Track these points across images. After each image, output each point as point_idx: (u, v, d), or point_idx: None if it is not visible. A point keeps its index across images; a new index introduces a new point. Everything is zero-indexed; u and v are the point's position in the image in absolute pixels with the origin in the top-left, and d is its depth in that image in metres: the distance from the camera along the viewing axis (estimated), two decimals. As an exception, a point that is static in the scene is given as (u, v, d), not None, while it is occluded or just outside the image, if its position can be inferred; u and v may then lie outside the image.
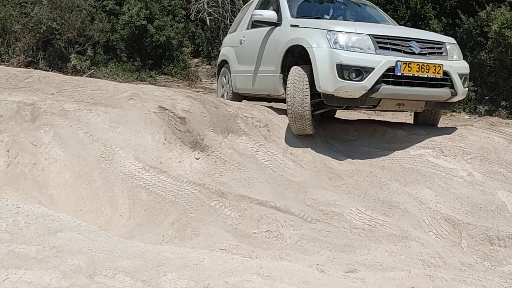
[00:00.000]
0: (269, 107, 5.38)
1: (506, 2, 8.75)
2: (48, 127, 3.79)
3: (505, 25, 8.12)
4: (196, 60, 15.68)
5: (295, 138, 4.72)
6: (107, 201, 3.45)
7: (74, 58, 10.89)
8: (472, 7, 9.20)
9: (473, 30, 9.11)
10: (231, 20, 14.45)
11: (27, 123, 3.81)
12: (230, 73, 6.36)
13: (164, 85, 11.34)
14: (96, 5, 12.08)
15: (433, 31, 8.98)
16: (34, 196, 3.28)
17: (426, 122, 5.13)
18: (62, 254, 2.19)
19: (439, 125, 5.28)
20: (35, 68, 9.66)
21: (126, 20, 12.01)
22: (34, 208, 2.73)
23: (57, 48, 10.98)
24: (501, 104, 8.48)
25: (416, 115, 5.20)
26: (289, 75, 4.53)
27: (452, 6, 9.76)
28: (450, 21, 9.63)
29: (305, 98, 4.40)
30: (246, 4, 7.03)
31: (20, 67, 9.48)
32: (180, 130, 4.28)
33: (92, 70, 11.07)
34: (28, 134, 3.69)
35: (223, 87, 6.73)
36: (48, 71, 9.57)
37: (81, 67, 10.89)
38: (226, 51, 6.69)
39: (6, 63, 9.95)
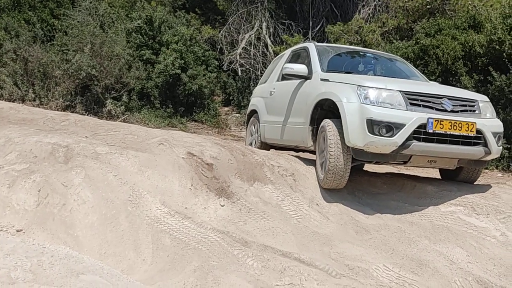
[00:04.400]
0: (296, 156, 5.39)
1: (538, 61, 8.69)
2: (80, 169, 3.89)
3: (539, 83, 8.02)
4: (226, 108, 16.03)
5: (321, 189, 4.68)
6: (131, 245, 3.45)
7: (110, 104, 11.30)
8: (504, 65, 9.16)
9: (506, 87, 9.01)
10: (262, 71, 14.83)
11: (59, 164, 3.92)
12: (259, 123, 6.45)
13: (194, 132, 11.58)
14: (134, 54, 12.65)
15: (465, 88, 8.95)
16: (61, 237, 3.32)
17: (466, 180, 4.97)
18: (83, 296, 2.19)
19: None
20: (72, 112, 10.05)
21: (161, 68, 12.50)
22: (59, 249, 2.75)
23: (94, 94, 11.45)
24: (536, 162, 8.23)
25: (453, 171, 5.01)
26: (327, 129, 4.52)
27: (483, 63, 9.74)
28: (482, 78, 9.57)
29: (348, 153, 4.38)
30: (278, 57, 7.22)
31: (58, 110, 9.88)
32: (206, 177, 4.31)
33: (126, 115, 11.43)
34: (60, 175, 3.78)
35: (251, 135, 6.82)
36: (84, 115, 9.95)
37: (115, 112, 11.26)
38: (256, 101, 6.82)
39: (45, 106, 10.39)
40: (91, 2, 13.37)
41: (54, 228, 3.39)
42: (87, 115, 10.63)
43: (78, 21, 12.16)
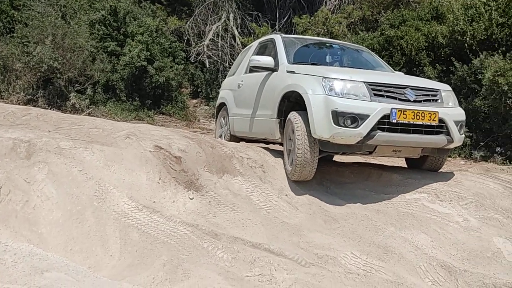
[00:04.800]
0: (265, 148, 5.40)
1: (499, 51, 8.98)
2: (43, 164, 3.78)
3: (499, 73, 8.29)
4: (194, 101, 15.90)
5: (290, 180, 4.70)
6: (98, 241, 3.38)
7: (74, 97, 11.02)
8: (466, 55, 9.43)
9: (467, 77, 9.29)
10: (230, 63, 14.77)
11: (21, 160, 3.80)
12: (228, 116, 6.43)
13: (162, 125, 11.43)
14: (98, 46, 12.34)
15: (428, 78, 9.17)
16: (24, 234, 3.22)
17: (431, 168, 5.09)
18: (48, 295, 2.14)
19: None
20: (34, 106, 9.74)
21: (126, 61, 12.26)
22: (23, 246, 2.67)
23: (57, 87, 11.14)
24: (496, 150, 8.53)
25: (418, 160, 5.12)
26: (294, 121, 4.54)
27: (446, 54, 10.00)
28: (445, 68, 9.83)
29: (315, 145, 4.41)
30: (245, 49, 7.19)
31: (19, 104, 9.56)
32: (175, 170, 4.27)
33: (91, 109, 11.18)
34: (22, 171, 3.67)
35: (221, 128, 6.78)
36: (47, 109, 9.66)
37: (80, 105, 11.00)
38: (224, 94, 6.79)
39: (5, 100, 10.03)
40: (51, -8, 12.95)
41: (17, 225, 3.29)
42: (50, 109, 10.32)
43: (38, 12, 11.74)
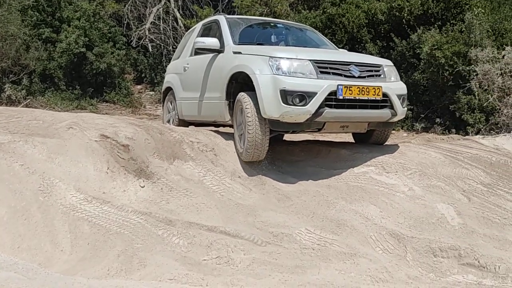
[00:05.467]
0: (215, 131, 5.37)
1: (435, 26, 9.34)
2: (-20, 161, 3.56)
3: (435, 47, 8.65)
4: (139, 86, 15.49)
5: (242, 161, 4.71)
6: (46, 237, 3.25)
7: (9, 88, 10.46)
8: (404, 31, 9.75)
9: (406, 52, 9.63)
10: (174, 46, 14.46)
11: (-45, 157, 3.56)
12: (175, 100, 6.31)
13: (106, 113, 11.09)
14: (31, 34, 11.70)
15: (370, 54, 9.41)
16: (-35, 236, 3.04)
17: (377, 142, 5.26)
18: (-4, 297, 2.04)
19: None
20: (-34, 100, 9.15)
21: (64, 47, 11.72)
22: (-36, 248, 2.53)
23: (-11, 78, 10.48)
24: (436, 121, 8.95)
25: (365, 135, 5.26)
26: (243, 102, 4.52)
27: (386, 30, 10.28)
28: (385, 44, 10.13)
29: (266, 125, 4.42)
30: (189, 31, 7.04)
31: (-51, 98, 8.95)
32: (123, 158, 4.16)
33: (28, 100, 10.64)
34: (-43, 169, 3.44)
35: (169, 113, 6.66)
36: (-20, 102, 9.10)
37: (16, 97, 10.45)
38: (170, 78, 6.65)
39: None
40: (-24, -22, 12.08)
41: (-44, 227, 3.10)
42: (-16, 102, 9.75)
43: (-38, -1, 10.95)
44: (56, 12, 12.53)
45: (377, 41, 10.23)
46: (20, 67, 10.98)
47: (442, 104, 9.04)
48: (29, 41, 11.49)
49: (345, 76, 4.41)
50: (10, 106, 9.66)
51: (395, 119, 4.74)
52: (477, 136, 6.39)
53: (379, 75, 4.67)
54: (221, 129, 5.83)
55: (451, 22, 9.36)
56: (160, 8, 15.21)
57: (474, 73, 8.21)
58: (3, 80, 10.67)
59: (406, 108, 4.91)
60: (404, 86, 4.90)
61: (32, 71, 11.29)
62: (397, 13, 9.92)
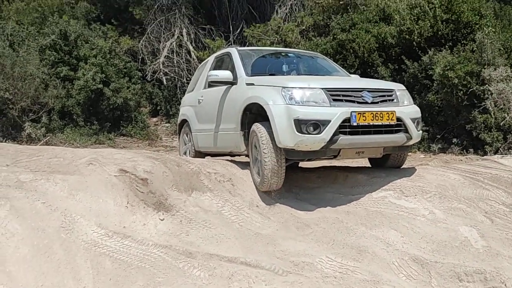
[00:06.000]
0: (231, 161, 5.41)
1: (446, 47, 9.37)
2: (4, 200, 3.63)
3: (448, 67, 8.65)
4: (155, 119, 15.72)
5: (260, 190, 4.72)
6: (69, 273, 3.28)
7: (29, 127, 10.70)
8: (415, 53, 9.79)
9: (419, 74, 9.64)
10: (187, 78, 14.71)
11: (-20, 198, 3.65)
12: (191, 132, 6.39)
13: (124, 147, 11.25)
14: (50, 72, 12.05)
15: (382, 78, 9.46)
16: (-10, 275, 3.09)
17: (394, 165, 5.23)
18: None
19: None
20: (-12, 140, 9.39)
21: (81, 85, 12.02)
22: (-10, 288, 2.56)
23: (10, 118, 10.79)
24: (453, 141, 8.87)
25: (381, 159, 5.24)
26: (258, 132, 4.57)
27: (396, 53, 10.34)
28: (397, 66, 10.17)
29: (281, 154, 4.45)
30: (202, 64, 7.18)
31: (-28, 139, 9.20)
32: (142, 192, 4.21)
33: (48, 137, 10.88)
34: (-18, 210, 3.52)
35: (185, 144, 6.74)
36: (1, 141, 9.33)
37: (36, 135, 10.69)
38: (185, 110, 6.76)
39: (-44, 136, 9.62)
40: (-4, 22, 12.58)
41: (-18, 267, 3.15)
42: (5, 141, 9.99)
43: (-16, 43, 11.38)
44: (73, 51, 12.91)
45: (389, 64, 10.28)
46: (39, 105, 11.27)
47: (458, 124, 8.97)
48: (48, 80, 11.82)
49: (358, 102, 4.43)
50: (30, 144, 9.88)
51: (411, 142, 4.73)
52: (496, 155, 6.31)
53: (392, 100, 4.69)
54: (236, 158, 5.87)
55: (462, 42, 9.38)
56: (173, 42, 15.56)
57: (489, 93, 8.16)
58: (23, 118, 10.94)
59: (421, 131, 4.89)
60: (418, 109, 4.90)
61: (51, 108, 11.57)
62: (407, 36, 9.99)
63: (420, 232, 3.99)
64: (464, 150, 8.57)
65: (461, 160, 6.87)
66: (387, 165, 5.25)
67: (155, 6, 15.84)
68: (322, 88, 4.40)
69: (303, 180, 5.23)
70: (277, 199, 4.64)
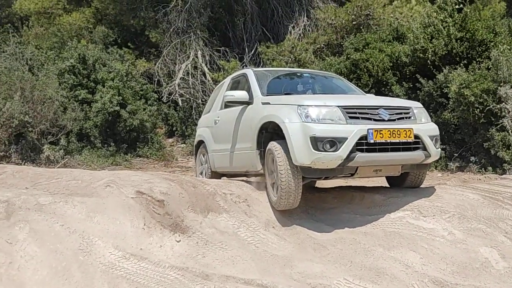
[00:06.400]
0: (246, 182, 5.41)
1: (461, 64, 9.33)
2: (23, 223, 3.69)
3: (463, 85, 8.60)
4: (170, 140, 15.87)
5: (275, 211, 4.71)
6: (87, 296, 3.30)
7: (47, 149, 10.87)
8: (430, 71, 9.76)
9: (434, 92, 9.60)
10: (202, 100, 14.87)
11: (1, 220, 3.70)
12: (207, 153, 6.44)
13: (140, 168, 11.34)
14: (68, 95, 12.29)
15: (397, 96, 9.44)
16: (10, 298, 3.12)
17: (412, 185, 5.16)
18: None
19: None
20: (8, 162, 9.57)
21: (99, 107, 12.23)
22: (10, 311, 2.59)
23: (29, 141, 10.98)
24: (471, 159, 8.75)
25: (399, 178, 5.17)
26: (275, 151, 4.56)
27: (411, 72, 10.32)
28: (411, 85, 10.14)
29: (298, 172, 4.43)
30: (218, 85, 7.28)
31: (-8, 162, 9.37)
32: (159, 214, 4.23)
33: (66, 159, 11.03)
34: (3, 232, 3.57)
35: (201, 165, 6.78)
36: (20, 164, 9.49)
37: (54, 157, 10.85)
38: (202, 131, 6.82)
39: (-23, 159, 9.82)
40: (16, 47, 12.92)
41: (2, 289, 3.19)
42: (24, 163, 10.15)
43: (5, 67, 11.68)
44: (91, 74, 13.19)
45: (403, 83, 10.27)
46: (58, 128, 11.46)
47: (475, 142, 8.87)
48: (66, 102, 12.05)
49: (375, 120, 4.42)
50: (49, 166, 10.03)
51: (429, 160, 4.68)
52: (516, 174, 6.20)
53: (409, 117, 4.66)
54: (252, 179, 5.87)
55: (477, 60, 9.34)
56: (188, 64, 15.79)
57: (506, 111, 8.08)
58: (41, 141, 11.13)
59: (439, 149, 4.84)
60: (436, 127, 4.86)
61: (69, 131, 11.76)
62: (421, 55, 9.99)
63: (439, 253, 3.92)
64: (483, 169, 8.45)
65: (480, 179, 6.77)
66: (405, 185, 5.19)
67: (171, 29, 16.15)
68: (338, 106, 4.40)
69: (319, 201, 5.20)
70: (293, 220, 4.62)
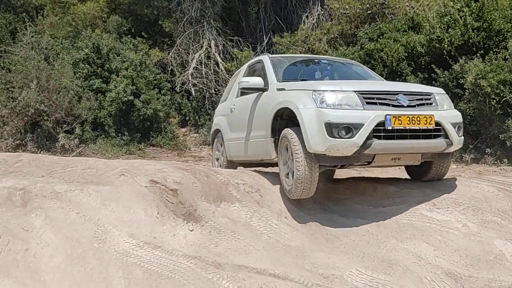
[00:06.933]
0: (258, 171, 5.42)
1: (477, 55, 9.17)
2: (40, 210, 3.76)
3: (480, 76, 8.45)
4: (183, 129, 15.92)
5: (288, 201, 4.71)
6: (102, 283, 3.35)
7: (63, 138, 11.01)
8: (445, 61, 9.61)
9: (449, 83, 9.45)
10: (215, 89, 14.87)
11: (18, 208, 3.78)
12: (223, 142, 6.41)
13: (153, 157, 11.42)
14: (83, 85, 12.39)
15: (411, 87, 9.29)
16: (27, 283, 3.18)
17: (435, 177, 4.96)
18: None
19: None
20: (24, 150, 9.72)
21: (113, 96, 12.31)
22: (27, 297, 2.65)
23: (45, 129, 11.12)
24: (486, 151, 8.64)
25: (421, 170, 5.01)
26: (290, 138, 4.45)
27: (426, 62, 10.18)
28: (426, 75, 10.00)
29: (313, 160, 4.31)
30: (236, 73, 7.24)
31: (8, 150, 9.53)
32: (172, 203, 4.27)
33: (81, 148, 11.16)
34: (20, 220, 3.64)
35: (217, 156, 6.77)
36: (36, 152, 9.63)
37: (69, 145, 10.98)
38: (218, 120, 6.79)
39: (-6, 147, 9.98)
40: (32, 36, 13.03)
41: (20, 275, 3.26)
42: (40, 151, 10.30)
43: (21, 57, 11.81)
44: (106, 64, 13.27)
45: (418, 73, 10.13)
46: (73, 117, 11.59)
47: (491, 134, 8.74)
48: (81, 92, 12.17)
49: (393, 105, 4.24)
50: (64, 155, 10.16)
51: (451, 149, 4.47)
52: (532, 166, 6.12)
53: (430, 104, 4.47)
54: (262, 169, 5.87)
55: (494, 50, 9.16)
56: (201, 53, 15.78)
57: (523, 101, 7.95)
58: (57, 130, 11.27)
59: (462, 137, 4.61)
60: (459, 113, 4.66)
61: (84, 120, 11.88)
62: (437, 45, 9.83)
63: (453, 245, 3.90)
64: (498, 161, 8.34)
65: (495, 171, 6.69)
66: (428, 177, 4.97)
67: (184, 19, 16.12)
68: (355, 91, 4.25)
69: (332, 191, 5.19)
70: (305, 211, 4.62)
